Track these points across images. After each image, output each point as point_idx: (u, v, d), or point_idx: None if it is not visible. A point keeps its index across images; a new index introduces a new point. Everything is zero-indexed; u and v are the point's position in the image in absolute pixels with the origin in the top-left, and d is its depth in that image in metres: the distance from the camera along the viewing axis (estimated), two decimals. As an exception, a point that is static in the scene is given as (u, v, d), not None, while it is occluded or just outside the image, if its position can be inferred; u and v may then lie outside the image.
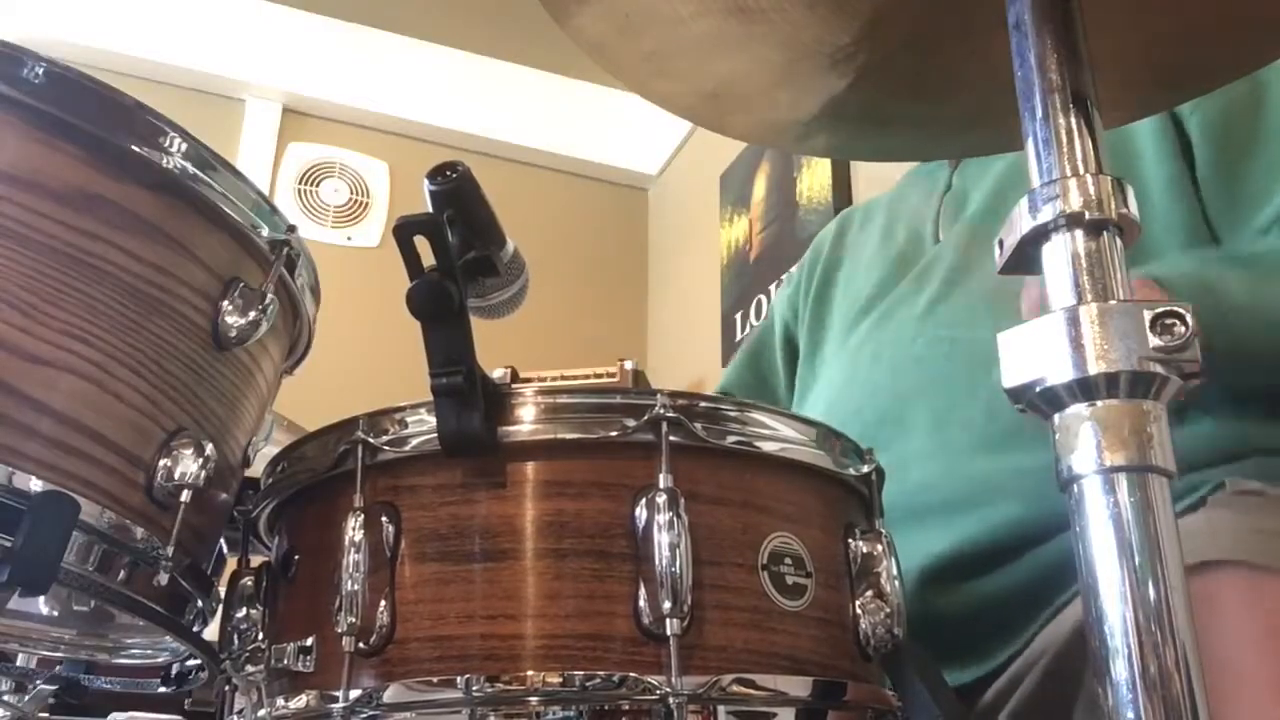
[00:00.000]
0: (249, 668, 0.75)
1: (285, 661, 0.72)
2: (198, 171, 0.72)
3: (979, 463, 0.98)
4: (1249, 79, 0.99)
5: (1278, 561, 0.79)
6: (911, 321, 1.11)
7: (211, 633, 0.79)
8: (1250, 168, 1.00)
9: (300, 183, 3.34)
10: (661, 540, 0.65)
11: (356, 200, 3.39)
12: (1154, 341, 0.48)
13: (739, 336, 2.93)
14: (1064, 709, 0.84)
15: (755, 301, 2.88)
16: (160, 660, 0.89)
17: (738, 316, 2.96)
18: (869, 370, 1.14)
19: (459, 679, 0.65)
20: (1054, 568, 0.90)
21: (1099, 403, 0.49)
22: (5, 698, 0.94)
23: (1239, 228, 1.00)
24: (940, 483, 1.00)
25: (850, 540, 0.75)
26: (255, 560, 0.82)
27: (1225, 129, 1.01)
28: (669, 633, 0.64)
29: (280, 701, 0.72)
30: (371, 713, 0.66)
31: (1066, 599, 0.90)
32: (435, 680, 0.65)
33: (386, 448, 0.71)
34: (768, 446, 0.73)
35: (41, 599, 0.87)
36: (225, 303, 0.74)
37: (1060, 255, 0.52)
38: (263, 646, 0.75)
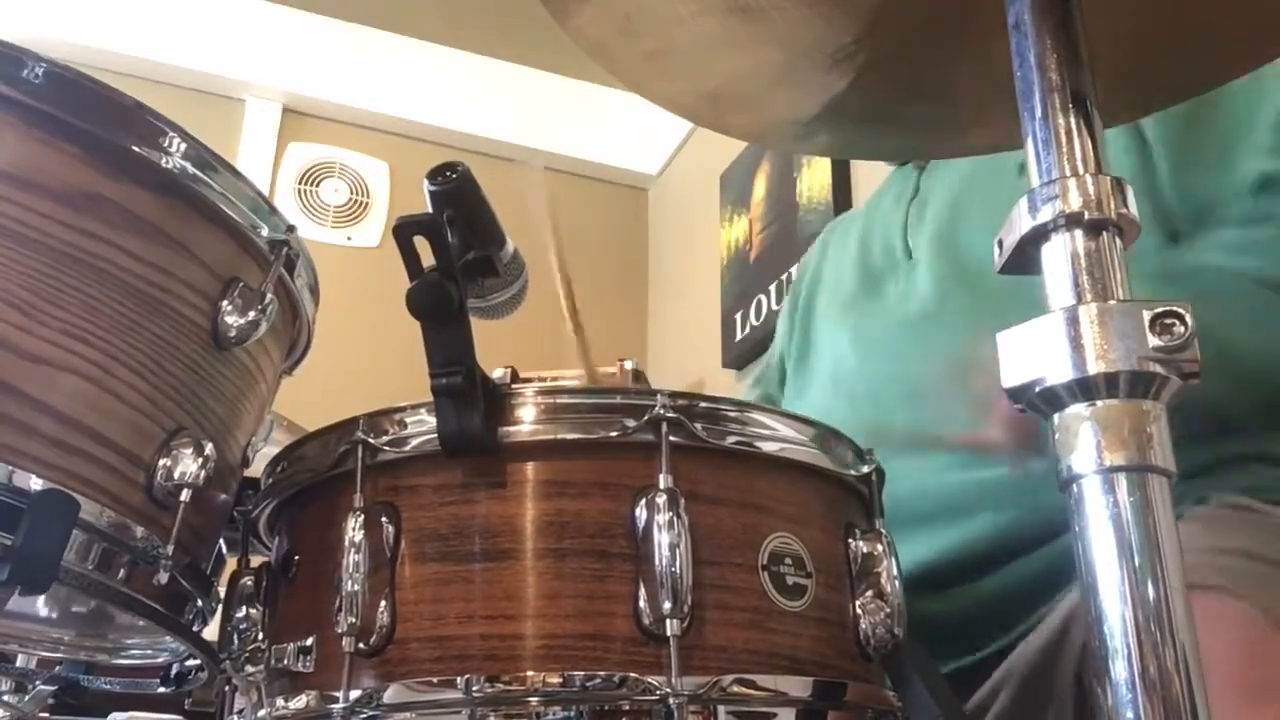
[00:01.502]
0: (249, 668, 0.75)
1: (285, 661, 0.72)
2: (198, 171, 0.72)
3: (960, 475, 0.99)
4: None
5: (1241, 584, 0.78)
6: (890, 334, 1.13)
7: (211, 633, 0.79)
8: (1206, 141, 1.00)
9: (300, 183, 3.34)
10: (661, 540, 0.65)
11: (356, 200, 3.39)
12: (1153, 341, 0.48)
13: (739, 336, 2.93)
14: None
15: (755, 301, 2.88)
16: (160, 660, 0.89)
17: (738, 316, 2.96)
18: (851, 384, 1.15)
19: (459, 679, 0.65)
20: (1029, 580, 0.91)
21: (1098, 402, 0.49)
22: (5, 698, 0.94)
23: (1203, 211, 0.99)
24: (923, 495, 1.01)
25: (850, 540, 0.76)
26: (255, 560, 0.82)
27: (1187, 116, 1.00)
28: (669, 633, 0.64)
29: (280, 701, 0.72)
30: (371, 713, 0.66)
31: (1043, 612, 0.90)
32: (435, 680, 0.65)
33: (386, 448, 0.71)
34: (768, 446, 0.73)
35: (41, 599, 0.87)
36: (225, 303, 0.74)
37: (1060, 255, 0.52)
38: (262, 646, 0.75)
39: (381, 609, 0.68)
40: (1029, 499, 0.90)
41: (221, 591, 0.80)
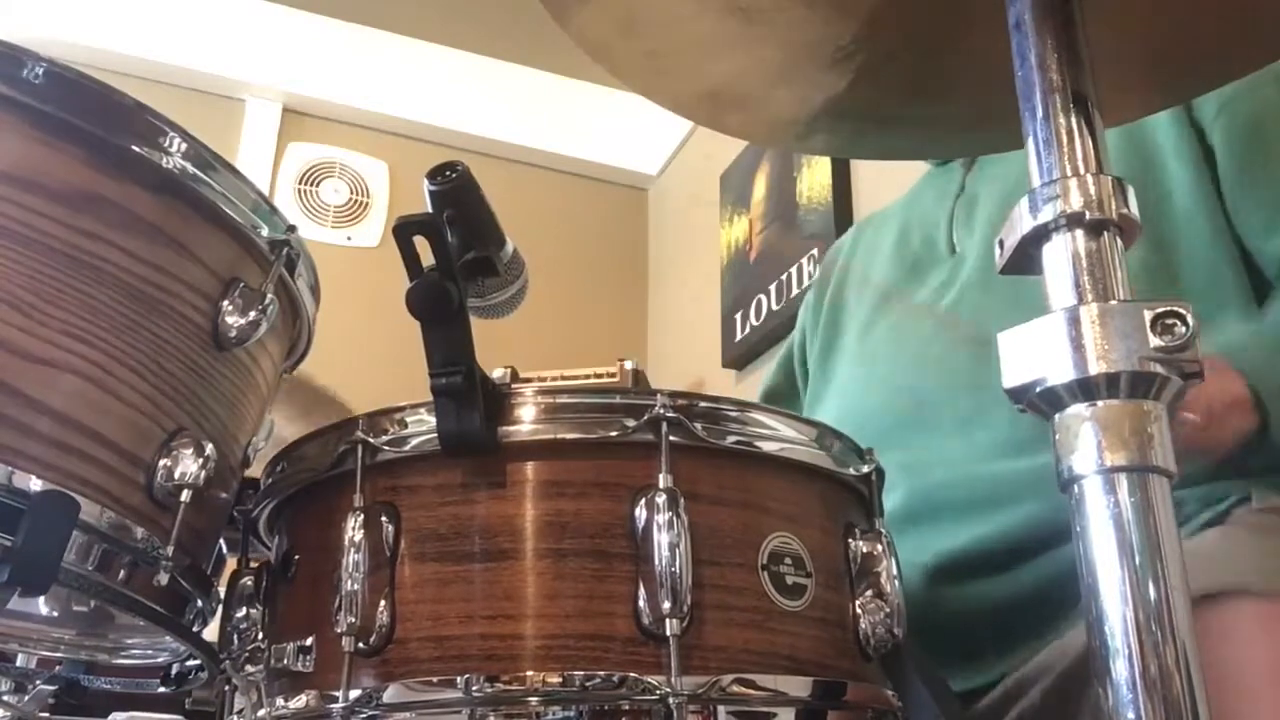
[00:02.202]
0: (249, 668, 0.75)
1: (285, 661, 0.72)
2: (198, 171, 0.72)
3: (1002, 464, 0.98)
4: (1277, 85, 0.99)
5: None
6: (932, 323, 1.12)
7: (211, 633, 0.79)
8: (1274, 189, 0.99)
9: (300, 183, 3.34)
10: (661, 540, 0.65)
11: (356, 200, 3.38)
12: (1154, 341, 0.48)
13: (739, 336, 2.93)
14: None
15: (755, 301, 2.88)
16: (160, 660, 0.89)
17: (738, 316, 2.95)
18: (889, 372, 1.14)
19: (459, 679, 0.65)
20: (1066, 575, 0.90)
21: (1099, 403, 0.49)
22: (5, 698, 0.94)
23: (1266, 235, 0.99)
24: (963, 483, 1.00)
25: (850, 540, 0.75)
26: (255, 560, 0.82)
27: (1254, 136, 1.00)
28: (669, 633, 0.64)
29: (280, 701, 0.72)
30: (371, 713, 0.66)
31: (1075, 614, 0.89)
32: (435, 680, 0.65)
33: (386, 448, 0.71)
34: (768, 446, 0.73)
35: (41, 599, 0.87)
36: (225, 303, 0.74)
37: (1061, 255, 0.52)
38: (262, 646, 0.75)
39: (381, 609, 0.68)
40: None
41: (221, 591, 0.80)
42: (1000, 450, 0.99)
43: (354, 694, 0.66)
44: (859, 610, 0.74)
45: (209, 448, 0.72)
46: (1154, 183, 1.01)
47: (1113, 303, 0.50)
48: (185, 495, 0.70)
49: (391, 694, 0.66)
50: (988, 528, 0.97)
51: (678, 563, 0.65)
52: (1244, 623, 0.75)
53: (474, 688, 0.64)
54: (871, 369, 1.18)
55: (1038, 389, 0.50)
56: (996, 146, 0.89)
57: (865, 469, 0.78)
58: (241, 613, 0.78)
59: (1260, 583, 0.77)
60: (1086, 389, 0.49)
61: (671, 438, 0.68)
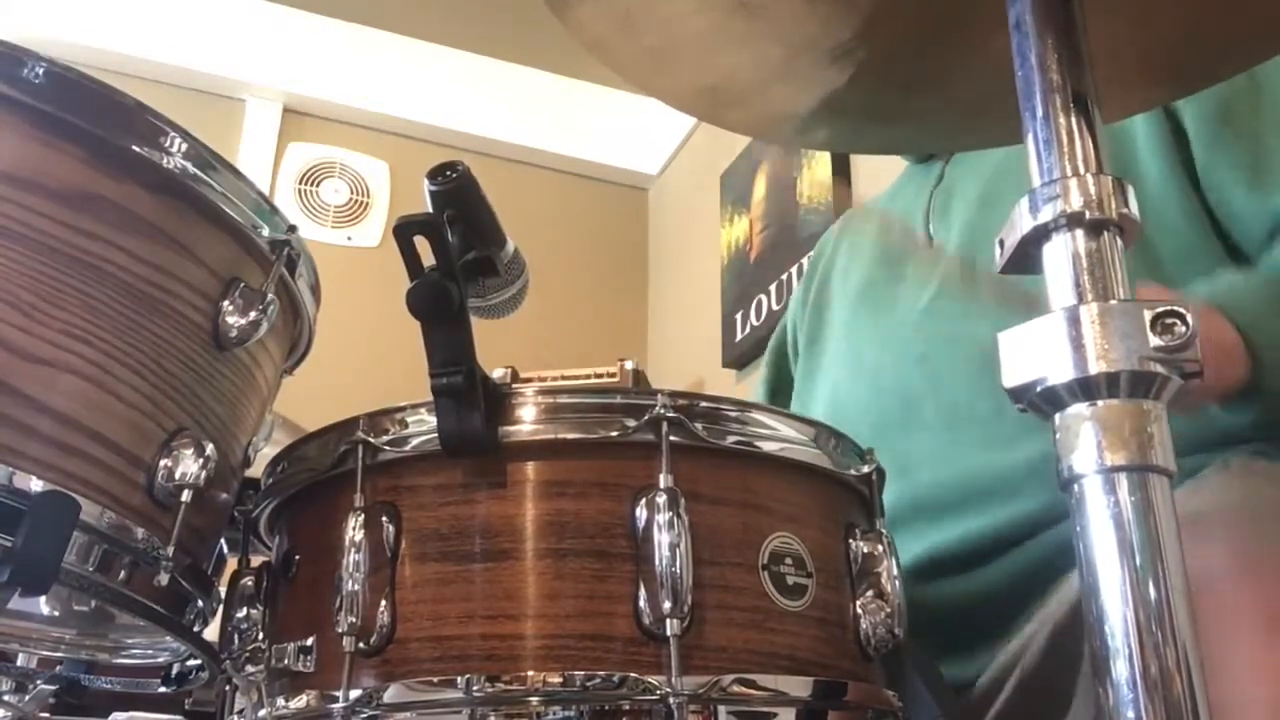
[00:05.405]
0: (249, 668, 0.75)
1: (285, 661, 0.72)
2: (198, 171, 0.72)
3: (987, 460, 0.99)
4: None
5: (1260, 507, 0.79)
6: (913, 318, 1.12)
7: (212, 633, 0.79)
8: (1252, 154, 0.99)
9: (300, 183, 3.34)
10: (662, 540, 0.65)
11: (356, 200, 3.39)
12: (1155, 341, 0.48)
13: (739, 336, 2.93)
14: (1067, 679, 0.84)
15: (755, 301, 2.88)
16: (160, 660, 0.89)
17: (738, 316, 2.95)
18: (873, 368, 1.15)
19: (459, 679, 0.65)
20: (1050, 556, 0.91)
21: (1099, 402, 0.49)
22: (5, 698, 0.94)
23: (1247, 198, 0.99)
24: (949, 481, 1.01)
25: (851, 540, 0.76)
26: (255, 560, 0.82)
27: (1223, 116, 1.01)
28: (669, 633, 0.64)
29: (280, 701, 0.72)
30: (372, 713, 0.66)
31: (1060, 584, 0.90)
32: (435, 680, 0.65)
33: (387, 448, 0.71)
34: (768, 446, 0.73)
35: (42, 599, 0.87)
36: (225, 303, 0.74)
37: (1061, 255, 0.52)
38: (263, 646, 0.75)
39: (382, 609, 0.68)
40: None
41: (222, 591, 0.80)
42: (984, 445, 1.00)
43: (354, 694, 0.66)
44: (860, 610, 0.74)
45: (209, 448, 0.72)
46: (1128, 169, 1.02)
47: (1113, 302, 0.50)
48: (186, 495, 0.70)
49: (392, 694, 0.66)
50: (978, 524, 0.98)
51: (678, 563, 0.65)
52: (1207, 533, 0.74)
53: (474, 688, 0.64)
54: (857, 369, 1.18)
55: (1038, 388, 0.50)
56: (997, 141, 0.89)
57: (866, 469, 0.78)
58: (242, 613, 0.78)
59: (1229, 503, 0.77)
60: (1087, 388, 0.49)
61: (672, 438, 0.68)
